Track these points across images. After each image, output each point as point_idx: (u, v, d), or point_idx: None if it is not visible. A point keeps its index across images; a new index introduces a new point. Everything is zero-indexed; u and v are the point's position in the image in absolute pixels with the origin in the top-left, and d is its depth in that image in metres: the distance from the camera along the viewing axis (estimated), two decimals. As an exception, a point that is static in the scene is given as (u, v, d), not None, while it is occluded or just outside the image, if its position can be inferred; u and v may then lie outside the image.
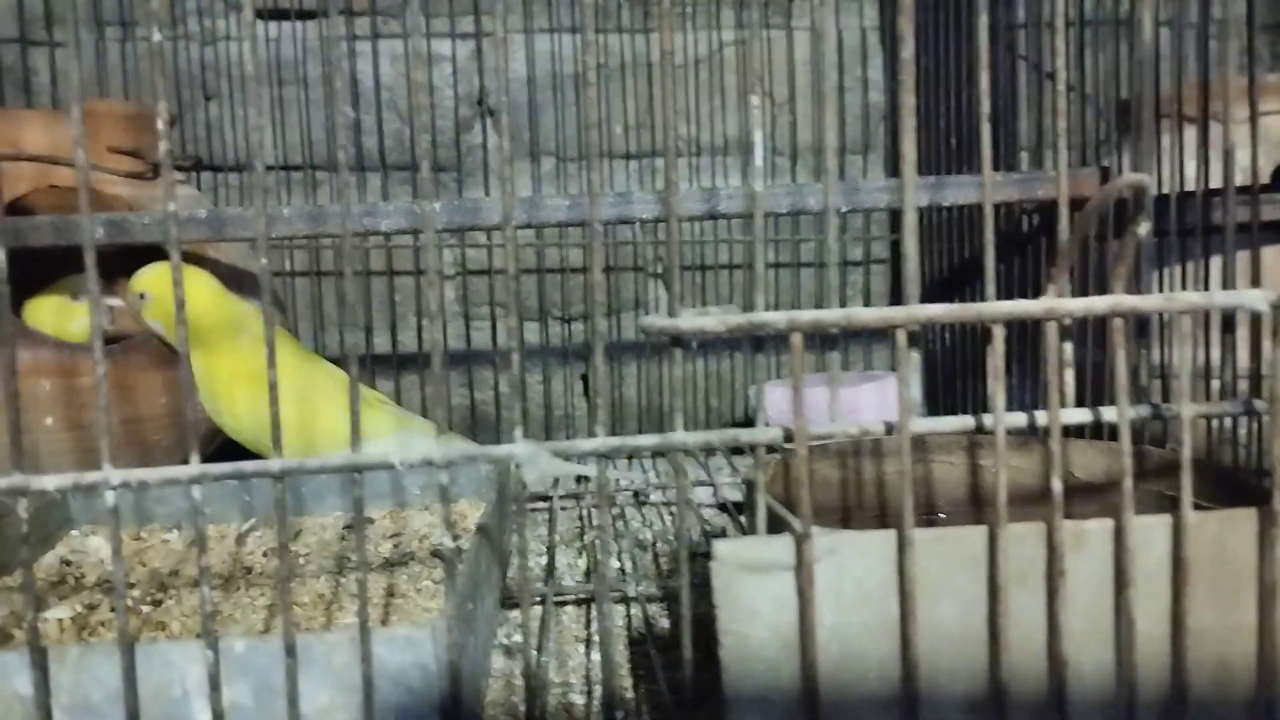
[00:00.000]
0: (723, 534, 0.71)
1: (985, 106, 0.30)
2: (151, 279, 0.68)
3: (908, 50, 0.29)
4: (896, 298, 1.07)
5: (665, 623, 0.56)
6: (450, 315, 1.04)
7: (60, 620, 0.45)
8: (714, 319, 0.29)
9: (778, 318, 0.29)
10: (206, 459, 0.76)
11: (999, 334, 0.29)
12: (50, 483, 0.30)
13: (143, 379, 0.68)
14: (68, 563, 0.53)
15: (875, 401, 0.83)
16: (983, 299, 0.30)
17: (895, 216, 1.06)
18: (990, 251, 0.30)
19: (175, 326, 0.30)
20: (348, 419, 0.56)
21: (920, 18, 0.97)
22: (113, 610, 0.46)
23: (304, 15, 1.00)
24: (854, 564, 0.30)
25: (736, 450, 0.97)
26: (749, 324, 0.29)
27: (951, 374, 0.92)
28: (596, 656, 0.52)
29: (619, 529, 0.74)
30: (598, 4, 1.03)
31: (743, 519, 0.73)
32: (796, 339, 0.29)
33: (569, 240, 1.03)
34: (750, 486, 0.38)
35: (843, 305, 1.07)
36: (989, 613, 0.30)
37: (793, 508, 0.35)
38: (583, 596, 0.59)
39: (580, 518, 0.77)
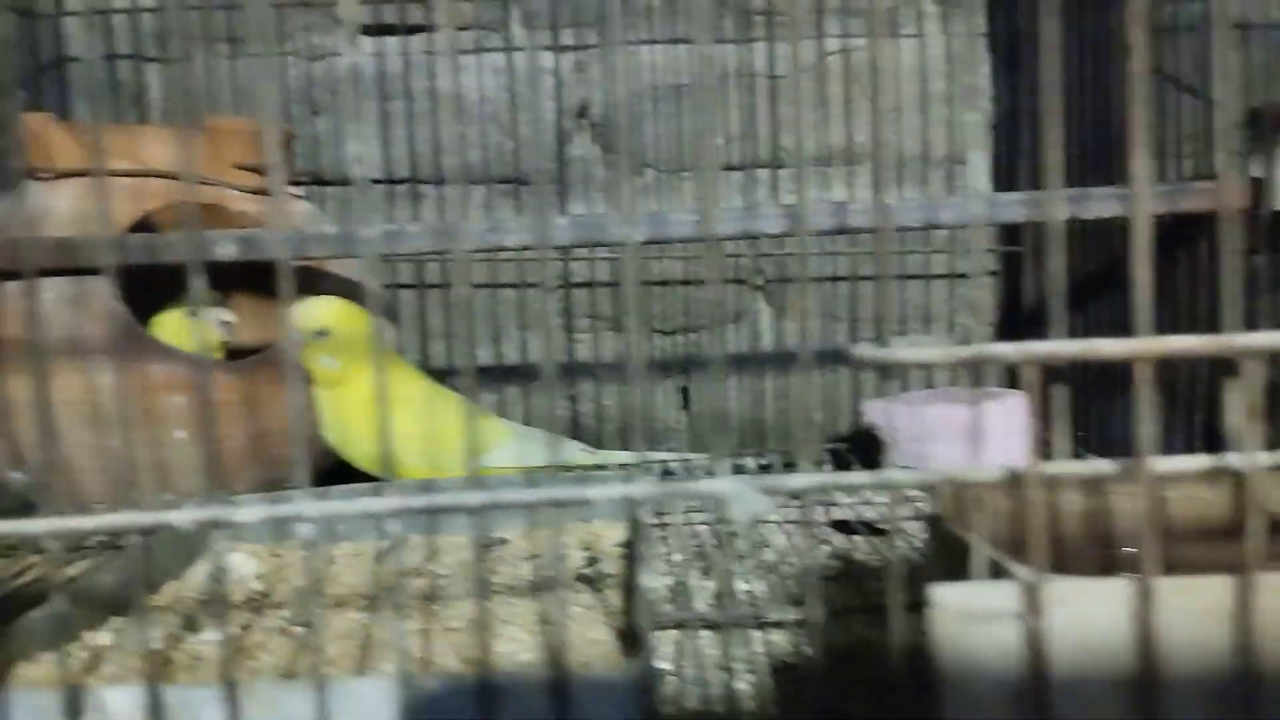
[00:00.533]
0: (849, 557, 0.69)
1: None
2: (332, 316, 0.69)
3: (1139, 61, 0.28)
4: (1006, 312, 1.03)
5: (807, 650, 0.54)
6: (552, 327, 1.04)
7: (217, 642, 0.44)
8: (937, 351, 0.27)
9: (1008, 350, 0.27)
10: (321, 479, 0.77)
11: (1255, 371, 0.27)
12: (247, 515, 0.29)
13: (271, 394, 0.69)
14: (215, 580, 0.53)
15: (1000, 421, 0.80)
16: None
17: (1005, 229, 1.03)
18: (1235, 271, 0.28)
19: (358, 366, 0.30)
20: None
21: (1034, 24, 0.94)
22: (266, 632, 0.46)
23: (411, 30, 1.01)
24: (1087, 614, 0.28)
25: (842, 465, 0.94)
26: (975, 355, 0.27)
27: (1070, 396, 0.89)
28: (738, 685, 0.51)
29: (738, 549, 0.72)
30: (699, 15, 1.02)
31: (874, 541, 0.71)
32: (1029, 371, 0.27)
33: (671, 253, 1.02)
34: (936, 521, 0.37)
35: (951, 321, 1.04)
36: (1242, 670, 0.28)
37: (959, 542, 0.33)
38: (720, 621, 0.58)
39: (694, 535, 0.76)
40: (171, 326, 0.77)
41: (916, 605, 0.56)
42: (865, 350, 0.28)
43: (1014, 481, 0.29)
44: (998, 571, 0.30)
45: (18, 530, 0.29)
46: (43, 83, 0.98)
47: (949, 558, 0.35)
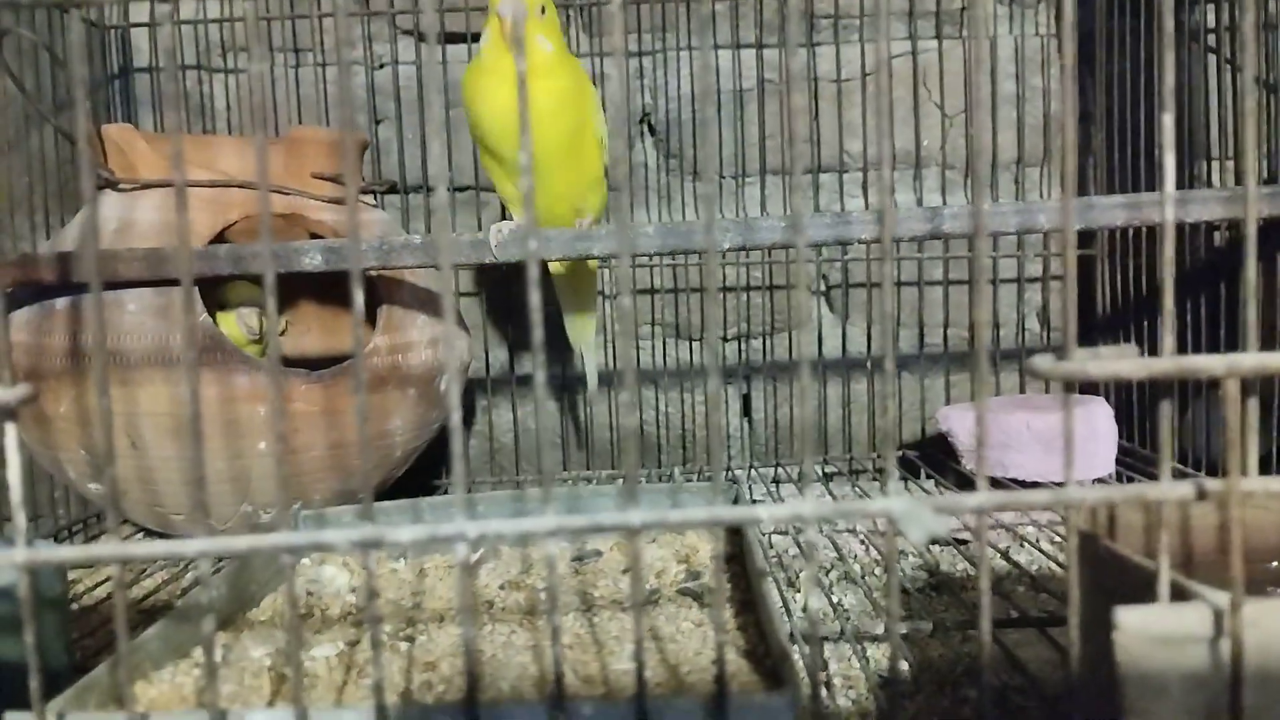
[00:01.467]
0: (935, 569, 0.68)
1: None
2: None
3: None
4: (1080, 316, 1.02)
5: (904, 665, 0.53)
6: (613, 334, 1.03)
7: (327, 659, 0.44)
8: (1130, 362, 0.26)
9: (1214, 363, 0.26)
10: (385, 492, 0.76)
11: None
12: (405, 534, 0.28)
13: (350, 404, 0.68)
14: (309, 593, 0.53)
15: (1082, 429, 0.79)
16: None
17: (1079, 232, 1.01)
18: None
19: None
20: None
21: (1109, 22, 0.93)
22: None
23: (476, 38, 1.00)
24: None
25: (910, 471, 0.93)
26: (1177, 369, 0.26)
27: (1144, 401, 0.87)
28: (841, 701, 0.50)
29: (822, 561, 0.71)
30: (761, 18, 1.01)
31: (960, 552, 0.70)
32: (1232, 386, 0.26)
33: (728, 260, 1.01)
34: (1092, 539, 0.35)
35: (1021, 324, 1.02)
36: None
37: (1125, 563, 0.32)
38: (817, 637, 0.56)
39: (772, 545, 0.75)
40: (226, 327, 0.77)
41: (1044, 620, 0.55)
42: (1046, 363, 0.27)
43: (1200, 497, 0.27)
44: (1179, 595, 0.29)
45: (170, 551, 0.28)
46: (109, 93, 0.99)
47: (1107, 578, 0.33)
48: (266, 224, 0.31)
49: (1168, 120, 0.28)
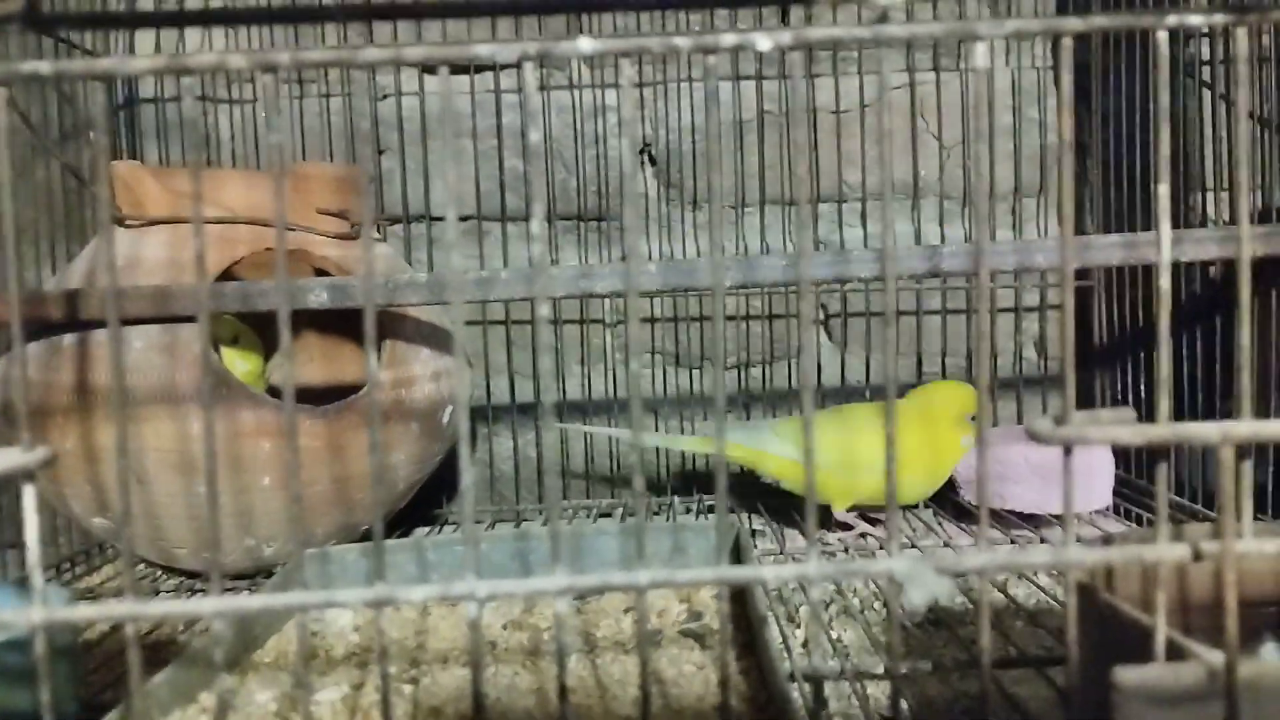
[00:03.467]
0: (934, 604, 0.68)
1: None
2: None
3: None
4: (1079, 346, 1.03)
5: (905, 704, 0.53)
6: (615, 363, 1.04)
7: (332, 703, 0.44)
8: (1128, 429, 0.27)
9: (1208, 430, 0.26)
10: (387, 524, 0.77)
11: None
12: (417, 594, 0.29)
13: (353, 439, 0.69)
14: (313, 633, 0.53)
15: (1079, 462, 0.79)
16: None
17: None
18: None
19: None
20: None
21: (1104, 57, 0.94)
22: (376, 690, 0.46)
23: (479, 68, 1.01)
24: (1275, 697, 0.27)
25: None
26: (1174, 436, 0.26)
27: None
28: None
29: (821, 595, 0.71)
30: (762, 53, 1.02)
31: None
32: (1227, 454, 0.26)
33: (728, 291, 1.01)
34: (1090, 591, 0.36)
35: (1018, 353, 1.03)
36: None
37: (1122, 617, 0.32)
38: (817, 675, 0.57)
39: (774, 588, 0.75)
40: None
41: (1037, 661, 0.55)
42: (1045, 428, 0.28)
43: (1196, 558, 0.28)
44: (1175, 653, 0.29)
45: (186, 612, 0.29)
46: (114, 124, 0.99)
47: (1107, 634, 0.34)
48: (282, 266, 0.31)
49: (1163, 190, 0.29)
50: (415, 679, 0.47)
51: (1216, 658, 0.27)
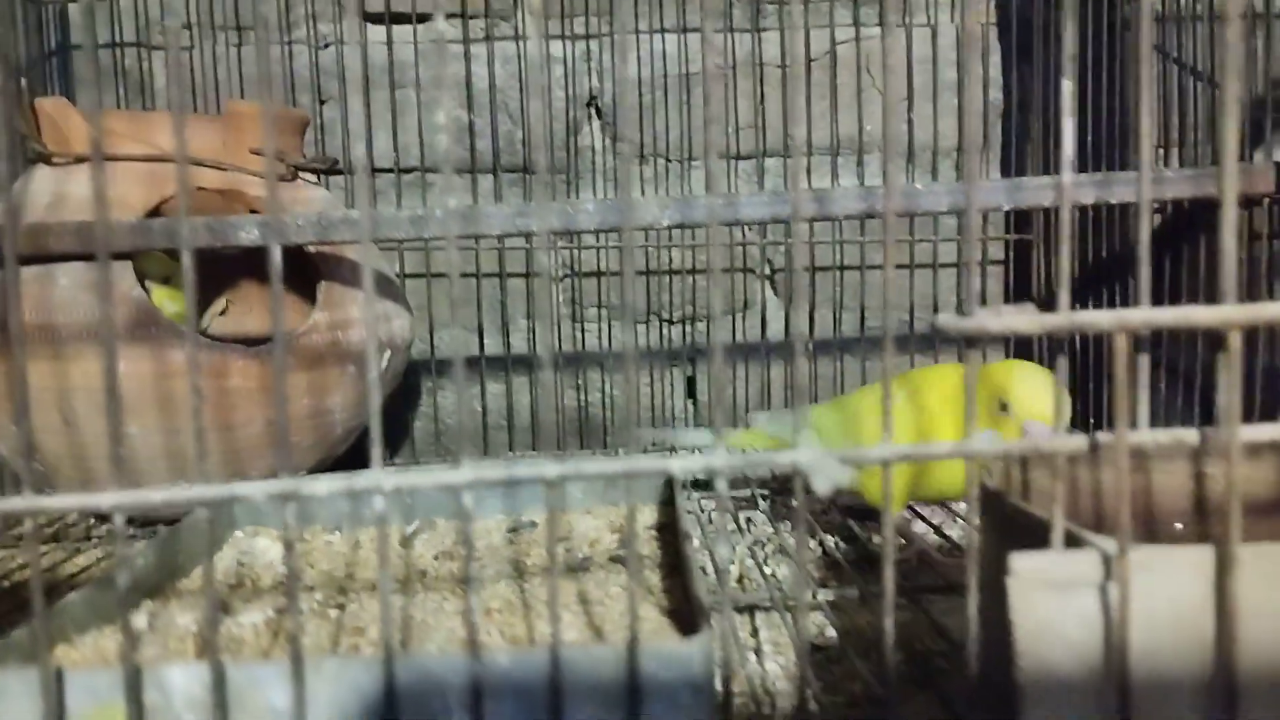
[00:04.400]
0: (868, 541, 0.69)
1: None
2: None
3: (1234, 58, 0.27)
4: (1015, 300, 1.04)
5: (830, 632, 0.54)
6: (560, 317, 1.03)
7: (254, 625, 0.44)
8: (1026, 319, 0.27)
9: (1104, 317, 0.27)
10: (326, 470, 0.76)
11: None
12: (322, 487, 0.29)
13: (289, 380, 0.68)
14: (241, 564, 0.53)
15: None
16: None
17: (1012, 216, 1.04)
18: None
19: None
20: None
21: (1045, 13, 0.95)
22: (301, 614, 0.46)
23: (421, 18, 1.00)
24: (1166, 582, 0.28)
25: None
26: (1070, 324, 0.27)
27: (1084, 378, 0.89)
28: (769, 665, 0.51)
29: (753, 532, 0.72)
30: (707, 4, 1.01)
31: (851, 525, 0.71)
32: (1122, 340, 0.27)
33: (677, 242, 1.02)
34: (997, 497, 0.37)
35: (959, 307, 1.04)
36: (1316, 635, 0.28)
37: (1026, 516, 0.33)
38: (746, 604, 0.57)
39: (711, 521, 0.76)
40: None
41: (952, 585, 0.56)
42: (950, 320, 0.28)
43: (1091, 453, 0.28)
44: (1073, 542, 0.30)
45: (83, 504, 0.28)
46: (47, 69, 0.97)
47: (1010, 534, 0.34)
48: (185, 200, 0.31)
49: (1066, 85, 0.29)
50: (342, 605, 0.47)
51: (1110, 545, 0.28)
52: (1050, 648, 0.28)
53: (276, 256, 0.29)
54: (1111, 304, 0.83)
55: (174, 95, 0.28)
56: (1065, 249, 0.29)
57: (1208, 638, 0.28)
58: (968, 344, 0.28)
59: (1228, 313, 0.26)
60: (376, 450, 0.29)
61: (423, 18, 1.00)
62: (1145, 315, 0.26)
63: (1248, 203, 0.65)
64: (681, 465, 0.29)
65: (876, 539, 0.71)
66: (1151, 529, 0.45)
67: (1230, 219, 0.27)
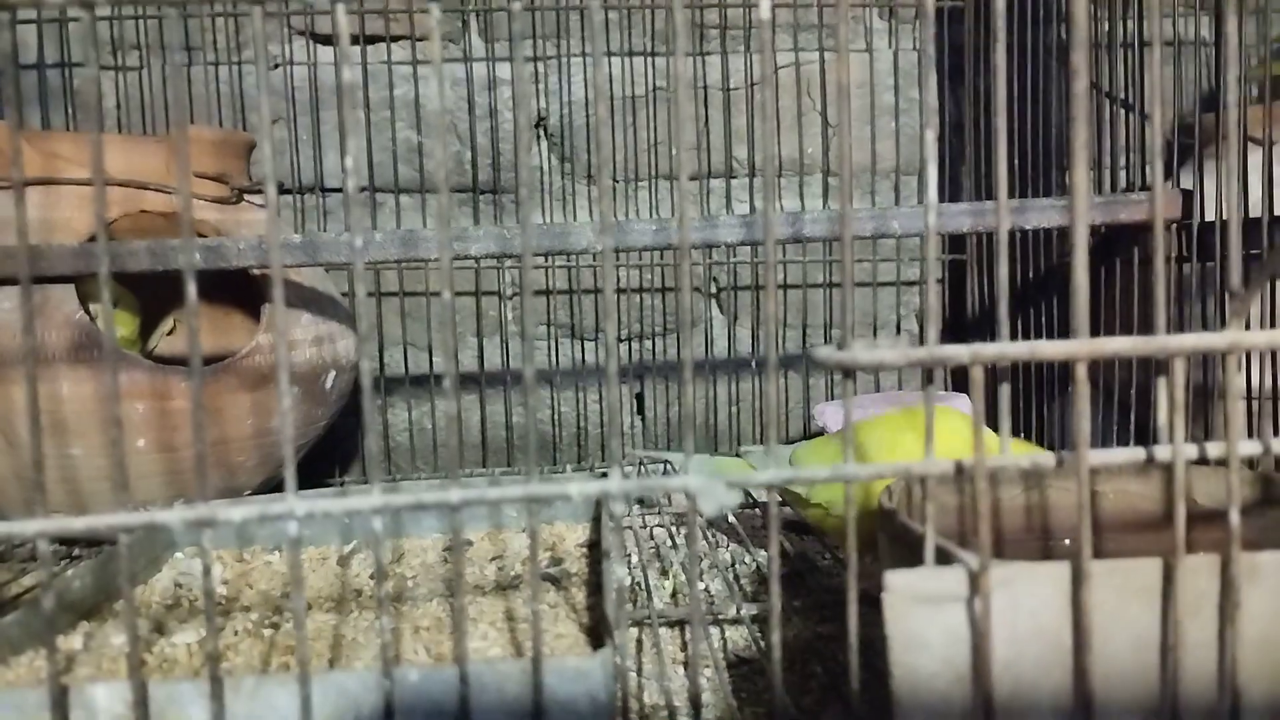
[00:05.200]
0: (795, 557, 0.72)
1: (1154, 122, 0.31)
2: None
3: (1080, 84, 0.30)
4: (953, 317, 1.07)
5: (755, 647, 0.56)
6: (509, 335, 1.05)
7: (188, 645, 0.45)
8: (894, 352, 0.30)
9: (960, 351, 0.29)
10: (271, 489, 0.77)
11: (1179, 367, 0.29)
12: (237, 513, 0.30)
13: (231, 401, 0.69)
14: (179, 585, 0.54)
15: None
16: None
17: (947, 237, 1.07)
18: (1161, 282, 0.30)
19: None
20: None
21: (976, 40, 0.98)
22: (236, 634, 0.47)
23: (370, 40, 1.02)
24: (1028, 596, 0.30)
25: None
26: (930, 357, 0.29)
27: (1014, 396, 0.92)
28: (697, 679, 0.53)
29: (695, 551, 0.74)
30: (653, 28, 1.04)
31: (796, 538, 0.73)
32: (977, 372, 0.29)
33: (623, 262, 1.04)
34: (890, 515, 0.39)
35: (898, 326, 1.07)
36: (1162, 644, 0.30)
37: (912, 533, 0.35)
38: (676, 619, 0.59)
39: (652, 537, 0.78)
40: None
41: (869, 598, 0.59)
42: (827, 353, 0.30)
43: (960, 476, 0.31)
44: (945, 559, 0.32)
45: (9, 531, 0.30)
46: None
47: (901, 549, 0.37)
48: (101, 223, 0.32)
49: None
50: (276, 624, 0.48)
51: (974, 561, 0.30)
52: (920, 659, 0.30)
53: (191, 290, 0.30)
54: (1049, 317, 0.86)
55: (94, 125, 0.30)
56: (933, 285, 0.31)
57: (1067, 649, 0.30)
58: (844, 374, 0.30)
59: (1073, 347, 0.29)
60: (290, 475, 0.30)
61: (371, 39, 1.02)
62: (997, 349, 0.29)
63: (1151, 229, 0.68)
64: (579, 489, 0.30)
65: (810, 554, 0.73)
66: (1047, 544, 0.47)
67: (1080, 259, 0.29)
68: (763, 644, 0.56)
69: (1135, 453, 0.31)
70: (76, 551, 0.73)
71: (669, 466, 0.87)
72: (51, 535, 0.30)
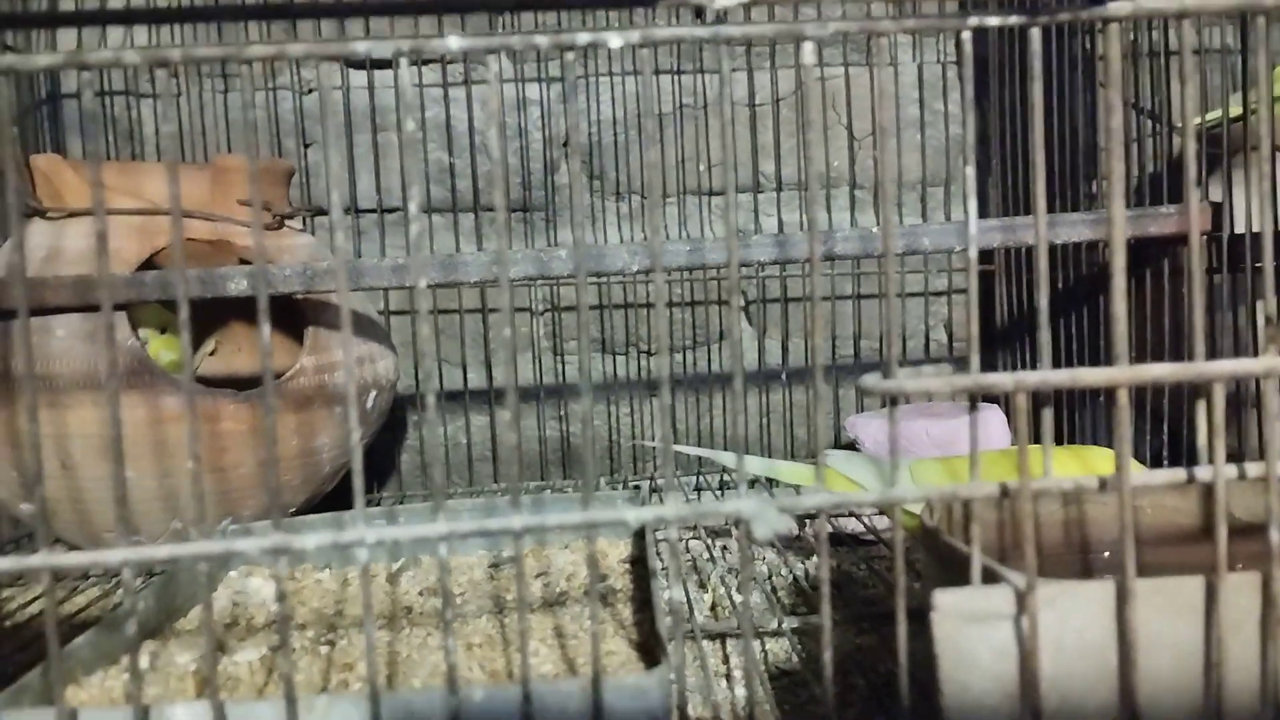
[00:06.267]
0: (835, 568, 0.72)
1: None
2: None
3: (1116, 120, 0.31)
4: (981, 328, 1.08)
5: (796, 658, 0.57)
6: (541, 350, 1.07)
7: (250, 663, 0.47)
8: (939, 380, 0.31)
9: (1003, 379, 0.30)
10: (315, 507, 0.79)
11: (1219, 392, 0.30)
12: (311, 541, 0.32)
13: (278, 422, 0.71)
14: (235, 604, 0.55)
15: (999, 427, 0.84)
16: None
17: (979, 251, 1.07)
18: (1201, 296, 0.31)
19: None
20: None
21: (1002, 53, 0.99)
22: (294, 652, 0.48)
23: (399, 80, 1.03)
24: (1074, 615, 0.31)
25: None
26: (975, 385, 0.30)
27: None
28: (739, 691, 0.54)
29: (727, 561, 0.75)
30: (679, 47, 1.05)
31: (859, 552, 0.74)
32: (1022, 400, 0.30)
33: (648, 278, 1.05)
34: (933, 534, 0.40)
35: (926, 336, 1.08)
36: (1205, 661, 0.31)
37: (956, 552, 0.36)
38: (718, 633, 0.60)
39: (688, 550, 0.79)
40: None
41: (911, 614, 0.60)
42: (873, 382, 0.31)
43: (1004, 496, 0.32)
44: (991, 578, 0.33)
45: (95, 560, 0.31)
46: (36, 119, 1.00)
47: (944, 568, 0.38)
48: (179, 250, 0.34)
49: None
50: (332, 641, 0.50)
51: (1020, 580, 0.31)
52: (969, 676, 0.31)
53: (265, 330, 0.32)
54: (1079, 329, 0.86)
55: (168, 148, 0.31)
56: (973, 311, 0.32)
57: (1112, 667, 0.31)
58: (890, 402, 0.31)
59: (1114, 374, 0.30)
60: (359, 502, 0.32)
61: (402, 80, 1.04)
62: (1040, 377, 0.30)
63: (1184, 240, 0.69)
64: (636, 515, 0.32)
65: (845, 565, 0.74)
66: (1086, 557, 0.48)
67: (1119, 287, 0.30)
68: (803, 656, 0.57)
69: (1176, 474, 0.32)
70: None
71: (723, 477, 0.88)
72: (135, 565, 0.32)
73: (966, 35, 0.32)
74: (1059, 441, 0.91)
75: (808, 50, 0.31)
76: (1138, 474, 0.31)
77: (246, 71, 0.33)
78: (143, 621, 0.50)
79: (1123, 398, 0.30)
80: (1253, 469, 0.31)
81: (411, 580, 0.58)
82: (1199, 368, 0.30)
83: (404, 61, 0.31)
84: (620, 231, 1.07)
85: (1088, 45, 0.90)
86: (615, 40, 0.30)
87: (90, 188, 0.70)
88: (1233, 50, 0.92)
